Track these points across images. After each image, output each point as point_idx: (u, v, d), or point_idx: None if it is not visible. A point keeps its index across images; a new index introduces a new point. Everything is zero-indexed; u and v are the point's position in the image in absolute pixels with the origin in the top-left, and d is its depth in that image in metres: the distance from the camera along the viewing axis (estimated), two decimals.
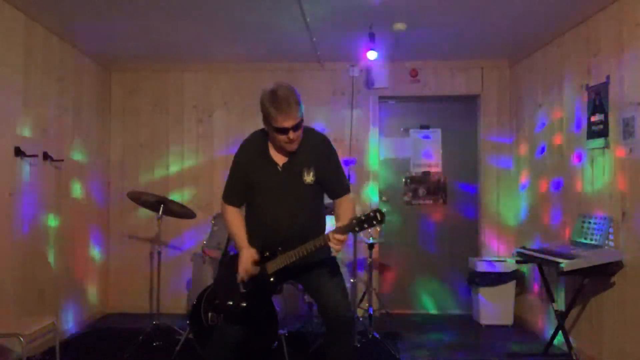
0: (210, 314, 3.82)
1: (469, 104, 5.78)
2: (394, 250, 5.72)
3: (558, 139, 4.54)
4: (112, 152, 5.75)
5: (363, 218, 2.52)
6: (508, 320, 5.17)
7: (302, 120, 2.67)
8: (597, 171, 3.94)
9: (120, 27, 4.55)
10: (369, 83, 5.65)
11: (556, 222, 4.55)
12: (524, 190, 5.29)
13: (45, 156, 4.31)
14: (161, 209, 4.41)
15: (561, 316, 4.03)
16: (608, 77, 3.78)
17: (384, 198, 5.75)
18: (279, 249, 2.72)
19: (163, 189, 5.48)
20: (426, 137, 5.79)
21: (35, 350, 3.46)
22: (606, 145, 3.80)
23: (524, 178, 5.30)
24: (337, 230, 2.56)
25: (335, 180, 2.86)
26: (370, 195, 5.66)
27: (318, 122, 5.60)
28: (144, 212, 5.00)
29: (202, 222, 5.43)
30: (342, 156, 5.62)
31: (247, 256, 2.72)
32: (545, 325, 4.73)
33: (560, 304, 4.28)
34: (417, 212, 5.79)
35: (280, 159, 2.77)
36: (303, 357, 4.11)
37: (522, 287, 5.24)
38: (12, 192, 3.86)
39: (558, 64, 4.55)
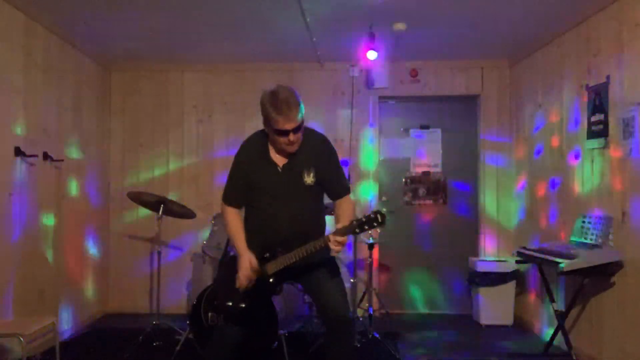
0: (210, 314, 3.80)
1: (469, 104, 5.78)
2: (394, 251, 5.72)
3: (558, 139, 4.54)
4: (112, 152, 5.75)
5: (364, 220, 2.52)
6: (508, 320, 5.17)
7: (302, 123, 2.67)
8: (597, 171, 3.94)
9: (120, 27, 4.55)
10: (369, 83, 5.65)
11: (556, 222, 4.55)
12: (524, 190, 5.29)
13: (45, 156, 4.31)
14: (161, 209, 4.41)
15: (561, 316, 4.03)
16: (608, 77, 3.78)
17: (383, 198, 5.75)
18: (279, 250, 2.72)
19: (163, 189, 5.48)
20: (426, 137, 5.79)
21: (35, 350, 3.46)
22: (606, 145, 3.80)
23: (523, 178, 5.30)
24: (337, 232, 2.55)
25: (335, 181, 2.86)
26: (369, 195, 5.66)
27: (318, 122, 5.60)
28: (143, 212, 5.00)
29: (202, 222, 5.44)
30: (341, 156, 5.64)
31: (247, 263, 2.72)
32: (545, 325, 4.73)
33: (560, 304, 4.28)
34: (417, 212, 5.79)
35: (280, 160, 2.77)
36: (303, 357, 4.11)
37: (522, 287, 5.24)
38: (12, 192, 3.86)
39: (558, 64, 4.55)
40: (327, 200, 2.92)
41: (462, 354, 4.32)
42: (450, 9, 4.10)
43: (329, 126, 5.56)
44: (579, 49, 4.20)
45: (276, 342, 3.99)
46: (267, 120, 2.66)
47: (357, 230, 2.54)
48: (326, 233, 2.68)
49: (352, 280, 5.18)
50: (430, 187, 5.78)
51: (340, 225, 2.57)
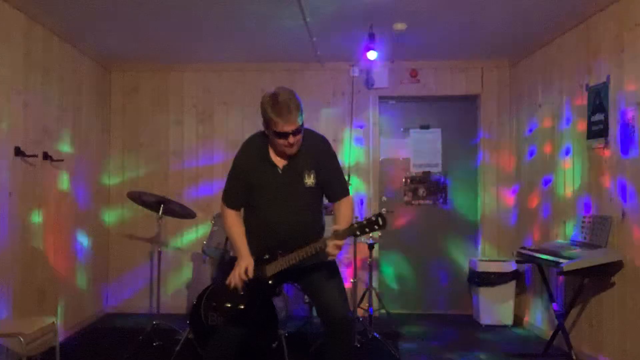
0: (210, 314, 3.82)
1: (469, 104, 5.78)
2: (394, 250, 5.72)
3: (558, 139, 4.54)
4: (112, 152, 5.75)
5: (364, 222, 2.52)
6: (508, 320, 5.17)
7: (302, 125, 2.67)
8: (597, 171, 3.93)
9: (120, 27, 4.55)
10: (369, 83, 5.65)
11: (556, 221, 4.55)
12: (524, 190, 5.29)
13: (45, 156, 4.31)
14: (161, 209, 4.41)
15: (561, 316, 4.04)
16: (608, 77, 3.78)
17: (383, 198, 5.75)
18: (279, 252, 2.72)
19: (163, 189, 5.48)
20: (426, 137, 5.78)
21: (35, 350, 3.46)
22: (606, 145, 3.80)
23: (523, 177, 5.30)
24: (337, 234, 2.55)
25: (335, 182, 2.86)
26: (369, 195, 5.66)
27: (318, 122, 5.61)
28: (143, 212, 5.00)
29: (202, 222, 5.45)
30: (341, 157, 5.64)
31: (242, 268, 2.71)
32: (545, 325, 4.73)
33: (560, 304, 4.28)
34: (417, 212, 5.79)
35: (280, 162, 2.77)
36: (303, 357, 4.11)
37: (522, 287, 5.24)
38: (12, 191, 3.86)
39: (558, 64, 4.55)
40: (326, 200, 2.91)
41: (462, 354, 4.33)
42: (450, 9, 4.10)
43: (328, 126, 5.56)
44: (579, 49, 4.20)
45: (276, 342, 3.99)
46: (267, 122, 2.67)
47: (358, 233, 2.54)
48: (326, 234, 2.68)
49: (352, 280, 5.17)
50: (430, 187, 5.78)
51: (340, 228, 2.57)
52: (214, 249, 4.39)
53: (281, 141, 2.65)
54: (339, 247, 2.56)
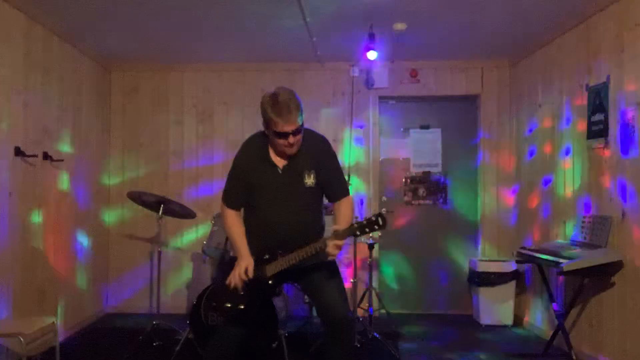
0: (210, 314, 3.82)
1: (469, 104, 5.78)
2: (394, 250, 5.72)
3: (557, 139, 4.54)
4: (112, 152, 5.75)
5: (364, 222, 2.52)
6: (508, 320, 5.17)
7: (302, 125, 2.67)
8: (597, 171, 3.93)
9: (120, 27, 4.55)
10: (369, 83, 5.65)
11: (556, 222, 4.55)
12: (524, 190, 5.29)
13: (45, 156, 4.31)
14: (161, 209, 4.41)
15: (561, 316, 4.04)
16: (608, 77, 3.78)
17: (383, 198, 5.75)
18: (279, 252, 2.72)
19: (163, 189, 5.48)
20: (426, 137, 5.78)
21: (35, 351, 3.46)
22: (606, 145, 3.80)
23: (523, 177, 5.30)
24: (338, 234, 2.55)
25: (335, 182, 2.86)
26: (369, 195, 5.66)
27: (318, 122, 5.61)
28: (143, 212, 5.00)
29: (202, 222, 5.45)
30: (341, 156, 5.64)
31: (242, 268, 2.71)
32: (545, 325, 4.73)
33: (560, 304, 4.28)
34: (417, 212, 5.79)
35: (280, 162, 2.77)
36: (303, 357, 4.11)
37: (522, 287, 5.24)
38: (12, 191, 3.86)
39: (558, 64, 4.55)
40: (326, 200, 2.91)
41: (462, 354, 4.33)
42: (450, 9, 4.10)
43: (328, 126, 5.56)
44: (579, 49, 4.20)
45: (276, 342, 3.99)
46: (267, 122, 2.67)
47: (358, 233, 2.55)
48: (326, 234, 2.68)
49: (352, 280, 5.17)
50: (430, 187, 5.78)
51: (340, 228, 2.57)
52: (214, 249, 4.39)
53: (281, 141, 2.65)
54: (339, 247, 2.56)
